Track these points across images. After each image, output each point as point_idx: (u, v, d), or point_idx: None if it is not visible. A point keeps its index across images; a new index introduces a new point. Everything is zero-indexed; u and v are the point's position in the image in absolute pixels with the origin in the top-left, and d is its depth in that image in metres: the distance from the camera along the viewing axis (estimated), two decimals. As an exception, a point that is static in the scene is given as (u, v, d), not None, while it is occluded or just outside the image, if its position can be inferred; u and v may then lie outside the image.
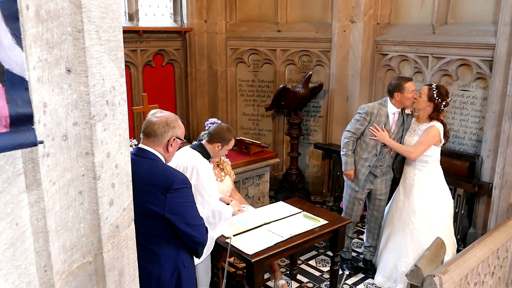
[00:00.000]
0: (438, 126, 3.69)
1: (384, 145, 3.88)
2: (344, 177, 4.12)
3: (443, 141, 3.74)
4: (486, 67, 4.40)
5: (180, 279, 2.33)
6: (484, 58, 4.39)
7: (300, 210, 3.64)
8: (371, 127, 3.86)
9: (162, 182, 2.19)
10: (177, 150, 2.42)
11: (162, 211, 2.18)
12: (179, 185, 2.20)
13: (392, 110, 3.88)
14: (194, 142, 3.53)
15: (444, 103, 3.66)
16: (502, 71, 4.12)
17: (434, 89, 3.66)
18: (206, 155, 3.26)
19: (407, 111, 3.92)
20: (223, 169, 3.71)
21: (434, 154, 3.76)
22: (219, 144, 3.29)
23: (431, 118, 3.72)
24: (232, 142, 3.37)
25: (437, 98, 3.64)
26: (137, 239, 2.20)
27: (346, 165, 4.00)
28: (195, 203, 2.33)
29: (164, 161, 2.33)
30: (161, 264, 2.28)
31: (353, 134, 3.95)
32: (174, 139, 2.31)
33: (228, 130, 3.35)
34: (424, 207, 3.76)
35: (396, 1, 5.21)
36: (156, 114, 2.34)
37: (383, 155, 3.93)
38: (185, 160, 3.18)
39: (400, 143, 3.89)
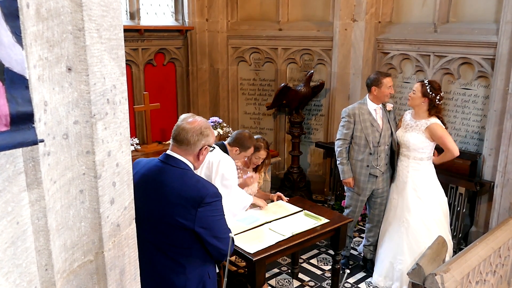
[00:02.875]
0: (437, 121, 3.71)
1: (378, 144, 3.90)
2: (344, 185, 4.16)
3: None
4: (487, 66, 4.39)
5: None
6: (485, 56, 4.38)
7: (300, 209, 3.64)
8: None
9: (193, 195, 2.11)
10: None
11: (192, 225, 2.12)
12: (211, 199, 2.13)
13: (373, 107, 3.93)
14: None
15: (438, 97, 3.69)
16: (504, 69, 4.11)
17: (426, 84, 3.70)
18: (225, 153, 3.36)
19: (388, 107, 3.96)
20: (258, 176, 3.79)
21: (429, 151, 3.76)
22: (237, 149, 3.37)
23: (431, 114, 3.73)
24: (251, 151, 3.43)
25: (430, 93, 3.67)
26: (163, 249, 2.21)
27: (344, 174, 4.04)
28: (224, 215, 2.27)
29: (193, 169, 2.25)
30: (187, 275, 2.22)
31: (344, 140, 4.00)
32: (206, 148, 2.22)
33: (250, 138, 3.40)
34: (418, 204, 3.77)
35: (397, 0, 5.20)
36: (189, 120, 2.22)
37: (379, 154, 3.93)
38: (210, 155, 3.24)
39: (392, 139, 3.93)
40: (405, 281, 3.77)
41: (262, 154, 3.64)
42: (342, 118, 4.02)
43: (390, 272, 3.92)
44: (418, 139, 3.73)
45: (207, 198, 2.11)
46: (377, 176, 3.99)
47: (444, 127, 3.75)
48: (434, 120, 3.71)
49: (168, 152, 2.25)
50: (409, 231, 3.78)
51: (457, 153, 3.71)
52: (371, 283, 4.08)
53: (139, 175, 2.23)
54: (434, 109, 3.71)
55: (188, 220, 2.11)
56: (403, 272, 3.78)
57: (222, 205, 2.25)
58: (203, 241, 2.17)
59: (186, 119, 2.24)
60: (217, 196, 2.18)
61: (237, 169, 3.71)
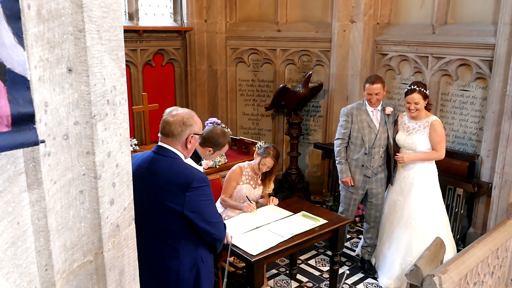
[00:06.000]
0: (437, 118, 3.79)
1: (373, 146, 3.92)
2: (342, 184, 4.17)
3: None
4: (485, 67, 4.41)
5: (199, 274, 2.36)
6: (483, 58, 4.40)
7: (291, 213, 3.61)
8: (396, 157, 3.88)
9: (181, 180, 2.22)
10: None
11: (181, 209, 2.22)
12: (198, 184, 2.23)
13: (370, 108, 3.98)
14: None
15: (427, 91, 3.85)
16: (501, 71, 4.13)
17: (421, 89, 3.74)
18: (196, 158, 2.99)
19: (387, 111, 3.97)
20: (265, 185, 3.81)
21: None
22: (211, 149, 3.15)
23: (427, 109, 3.83)
24: (226, 148, 3.23)
25: (427, 92, 3.78)
26: (158, 235, 2.29)
27: (342, 173, 4.07)
28: (214, 201, 2.37)
29: (183, 157, 2.37)
30: (181, 259, 2.32)
31: (342, 139, 4.05)
32: (192, 136, 2.34)
33: (223, 135, 3.21)
34: (426, 204, 3.80)
35: (396, 1, 5.21)
36: (172, 113, 2.36)
37: (373, 156, 3.96)
38: None
39: (387, 142, 3.96)
40: None
41: (268, 161, 3.60)
42: (341, 117, 4.07)
43: (401, 274, 3.89)
44: (424, 140, 3.76)
45: (194, 182, 2.21)
46: (369, 177, 4.02)
47: None
48: (435, 118, 3.78)
49: (159, 143, 2.37)
50: (418, 231, 3.80)
51: (443, 157, 3.79)
52: (374, 284, 4.07)
53: (135, 166, 2.36)
54: (429, 105, 3.84)
55: (178, 204, 2.21)
56: None
57: (211, 191, 2.34)
58: (194, 225, 2.27)
59: (170, 113, 2.38)
60: (205, 182, 2.28)
61: (246, 176, 3.69)
